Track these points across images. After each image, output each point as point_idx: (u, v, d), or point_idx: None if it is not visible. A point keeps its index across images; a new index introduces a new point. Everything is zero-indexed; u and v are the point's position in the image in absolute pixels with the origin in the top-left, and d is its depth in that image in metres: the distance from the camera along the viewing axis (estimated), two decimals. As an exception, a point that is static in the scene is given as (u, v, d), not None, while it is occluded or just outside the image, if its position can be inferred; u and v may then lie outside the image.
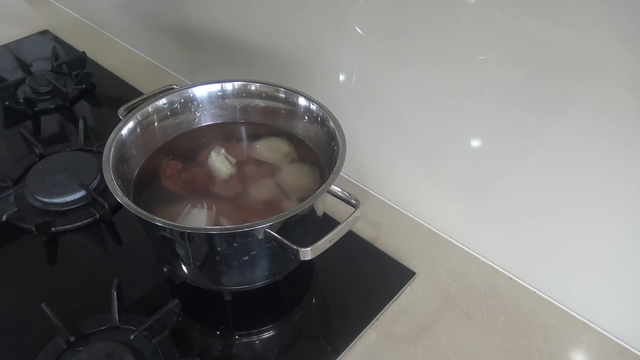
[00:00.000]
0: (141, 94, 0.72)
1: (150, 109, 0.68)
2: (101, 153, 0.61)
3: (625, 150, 0.54)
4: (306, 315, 0.67)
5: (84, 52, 1.09)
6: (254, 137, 0.73)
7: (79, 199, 0.79)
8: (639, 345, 0.63)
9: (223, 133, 0.73)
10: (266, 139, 0.71)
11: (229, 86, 0.71)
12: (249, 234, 0.54)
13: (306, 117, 0.69)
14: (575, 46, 0.52)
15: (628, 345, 0.64)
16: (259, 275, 0.62)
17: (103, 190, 0.80)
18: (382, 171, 0.81)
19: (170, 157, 0.69)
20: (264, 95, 0.71)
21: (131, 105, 0.67)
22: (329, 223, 0.73)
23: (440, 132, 0.69)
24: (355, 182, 0.85)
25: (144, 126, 0.67)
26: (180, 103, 0.70)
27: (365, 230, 0.77)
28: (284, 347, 0.64)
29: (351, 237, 0.74)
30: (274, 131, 0.72)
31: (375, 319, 0.66)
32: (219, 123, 0.73)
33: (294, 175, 0.66)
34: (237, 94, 0.72)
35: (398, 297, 0.69)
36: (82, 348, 0.58)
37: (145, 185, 0.65)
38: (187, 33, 1.00)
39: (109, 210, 0.76)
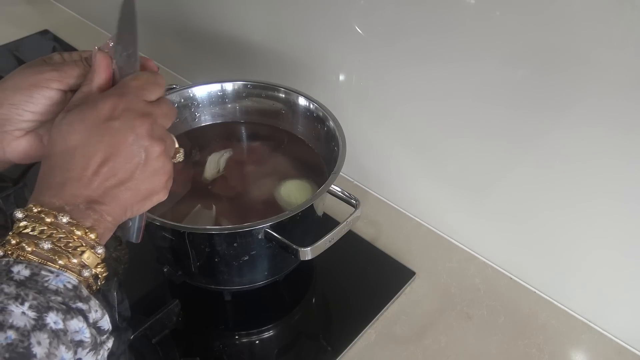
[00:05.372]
0: (141, 94, 0.71)
1: (150, 109, 0.68)
2: (101, 153, 0.60)
3: (626, 151, 0.54)
4: (306, 315, 0.67)
5: (84, 52, 1.09)
6: (254, 137, 0.73)
7: (79, 199, 0.79)
8: (639, 345, 0.63)
9: (223, 133, 0.73)
10: (289, 183, 0.66)
11: (229, 86, 0.71)
12: (249, 234, 0.54)
13: (306, 117, 0.69)
14: (576, 46, 0.52)
15: (628, 345, 0.64)
16: (259, 275, 0.62)
17: (103, 190, 0.80)
18: (382, 171, 0.81)
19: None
20: (264, 95, 0.71)
21: (131, 105, 0.67)
22: (329, 223, 0.73)
23: (441, 131, 0.69)
24: (355, 182, 0.85)
25: (144, 126, 0.67)
26: (180, 103, 0.70)
27: (365, 230, 0.77)
28: (284, 347, 0.64)
29: (351, 237, 0.74)
30: (294, 173, 0.67)
31: (375, 319, 0.66)
32: (219, 123, 0.73)
33: (292, 193, 0.65)
34: (237, 94, 0.72)
35: (398, 297, 0.69)
36: (82, 348, 0.58)
37: (145, 185, 0.65)
38: (187, 33, 1.00)
39: (109, 210, 0.76)
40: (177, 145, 0.44)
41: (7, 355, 0.30)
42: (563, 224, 0.63)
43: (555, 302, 0.68)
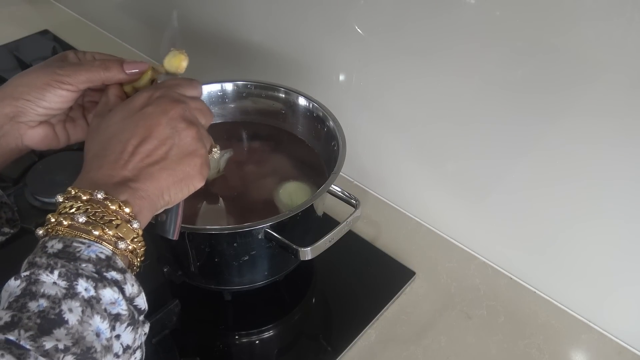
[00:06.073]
0: (141, 94, 0.71)
1: (150, 109, 0.67)
2: (101, 153, 0.60)
3: (626, 151, 0.54)
4: (306, 315, 0.67)
5: (84, 52, 1.09)
6: (254, 137, 0.73)
7: (79, 199, 0.79)
8: (639, 345, 0.63)
9: (223, 133, 0.73)
10: (288, 185, 0.65)
11: (229, 86, 0.71)
12: (249, 234, 0.54)
13: (306, 117, 0.69)
14: (575, 46, 0.52)
15: (628, 345, 0.64)
16: (259, 275, 0.62)
17: (103, 190, 0.80)
18: (382, 171, 0.81)
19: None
20: (264, 95, 0.71)
21: (131, 105, 0.67)
22: (329, 223, 0.73)
23: (440, 131, 0.69)
24: (355, 182, 0.85)
25: (144, 126, 0.67)
26: (180, 103, 0.70)
27: (365, 230, 0.77)
28: (284, 347, 0.64)
29: (351, 237, 0.74)
30: (294, 173, 0.67)
31: (375, 319, 0.66)
32: (219, 123, 0.73)
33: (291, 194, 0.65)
34: (237, 94, 0.72)
35: (398, 297, 0.69)
36: (82, 348, 0.58)
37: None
38: (187, 33, 1.00)
39: (109, 210, 0.76)
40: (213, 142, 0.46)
41: (38, 321, 0.31)
42: (563, 224, 0.63)
43: (555, 302, 0.68)
